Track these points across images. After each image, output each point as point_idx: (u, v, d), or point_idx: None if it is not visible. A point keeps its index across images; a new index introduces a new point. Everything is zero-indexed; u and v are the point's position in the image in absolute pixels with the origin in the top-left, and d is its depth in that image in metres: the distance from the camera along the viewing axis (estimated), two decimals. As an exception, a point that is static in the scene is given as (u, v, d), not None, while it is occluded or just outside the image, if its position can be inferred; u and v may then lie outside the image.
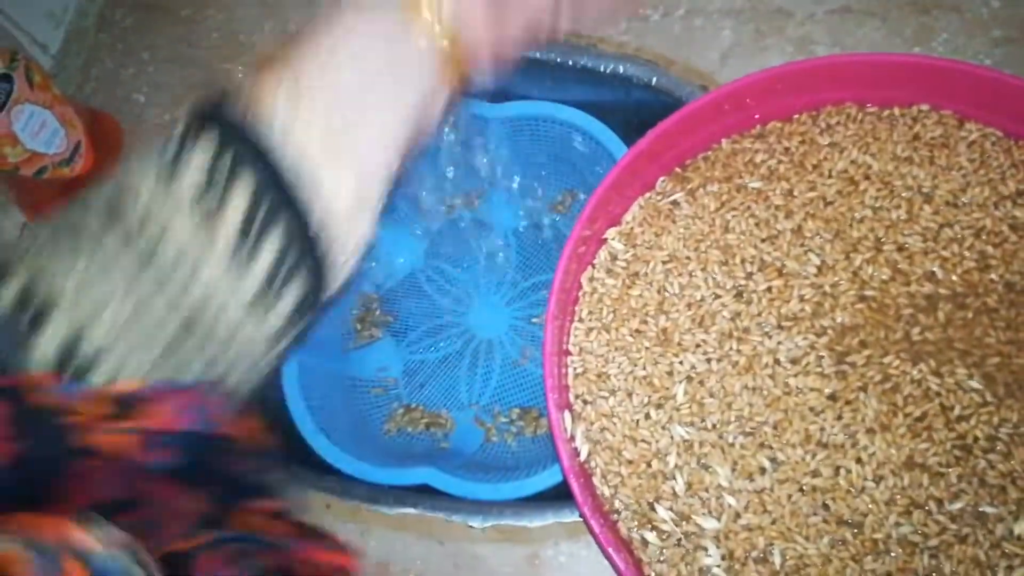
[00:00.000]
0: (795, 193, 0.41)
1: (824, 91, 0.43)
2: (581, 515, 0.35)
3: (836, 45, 0.55)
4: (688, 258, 0.40)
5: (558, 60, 0.59)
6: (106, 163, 0.60)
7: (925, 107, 0.42)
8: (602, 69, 0.58)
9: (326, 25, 0.28)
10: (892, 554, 0.34)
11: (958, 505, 0.34)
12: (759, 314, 0.38)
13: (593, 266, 0.42)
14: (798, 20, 0.56)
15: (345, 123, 0.27)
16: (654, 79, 0.57)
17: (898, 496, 0.34)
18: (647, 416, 0.37)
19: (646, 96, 0.58)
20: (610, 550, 0.34)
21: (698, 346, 0.38)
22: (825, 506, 0.35)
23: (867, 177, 0.41)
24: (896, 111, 0.43)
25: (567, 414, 0.38)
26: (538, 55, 0.60)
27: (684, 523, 0.35)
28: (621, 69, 0.57)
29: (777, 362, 0.37)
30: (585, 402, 0.38)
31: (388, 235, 0.65)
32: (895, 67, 0.41)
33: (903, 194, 0.40)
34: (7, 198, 0.61)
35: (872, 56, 0.43)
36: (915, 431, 0.35)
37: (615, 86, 0.59)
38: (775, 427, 0.36)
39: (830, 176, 0.41)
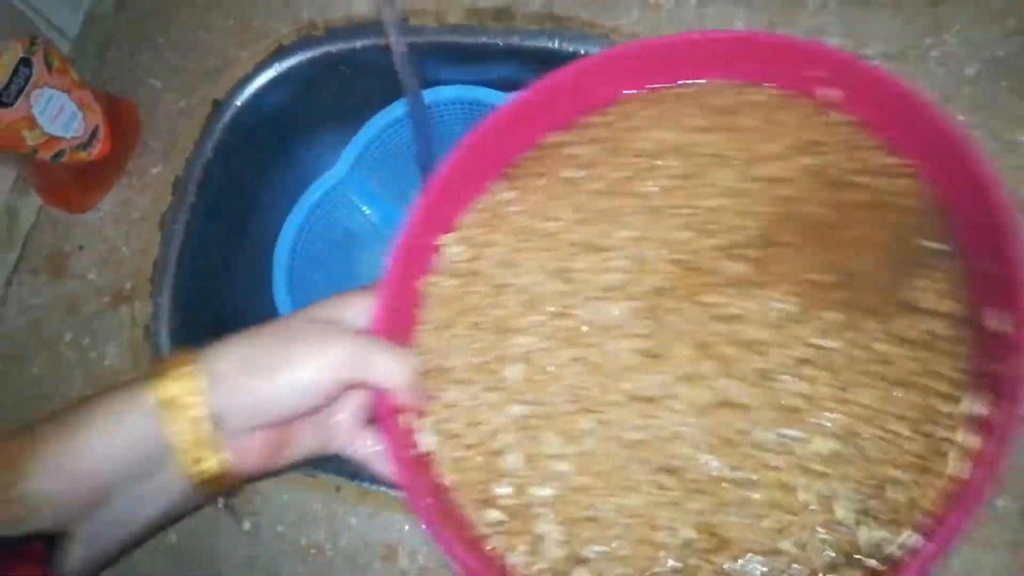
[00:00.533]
0: (608, 176, 0.44)
1: (623, 81, 0.45)
2: (413, 506, 0.36)
3: (849, 35, 0.55)
4: (519, 250, 0.43)
5: (570, 50, 0.59)
6: (123, 148, 0.61)
7: (714, 80, 0.45)
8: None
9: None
10: (708, 492, 0.35)
11: (762, 434, 0.36)
12: (581, 290, 0.41)
13: (432, 272, 0.44)
14: (811, 10, 0.56)
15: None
16: (665, 68, 0.57)
17: (709, 436, 0.36)
18: (484, 401, 0.39)
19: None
20: (437, 530, 0.35)
21: (529, 328, 0.41)
22: (644, 458, 0.37)
23: (668, 151, 0.44)
24: (687, 87, 0.45)
25: (408, 416, 0.40)
26: (551, 45, 0.60)
27: (522, 495, 0.37)
28: (633, 58, 0.58)
29: (599, 331, 0.40)
30: (431, 397, 0.40)
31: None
32: (674, 47, 0.44)
33: (702, 160, 0.43)
34: (25, 181, 0.62)
35: (650, 42, 0.46)
36: (722, 372, 0.37)
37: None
38: (600, 390, 0.38)
39: (636, 156, 0.44)
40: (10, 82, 0.51)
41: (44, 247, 0.60)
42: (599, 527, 0.36)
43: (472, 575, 0.34)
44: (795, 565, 0.33)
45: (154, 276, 0.58)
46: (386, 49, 0.45)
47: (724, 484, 0.35)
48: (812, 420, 0.35)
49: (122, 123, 0.61)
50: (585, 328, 0.40)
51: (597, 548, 0.35)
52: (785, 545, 0.34)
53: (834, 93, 0.42)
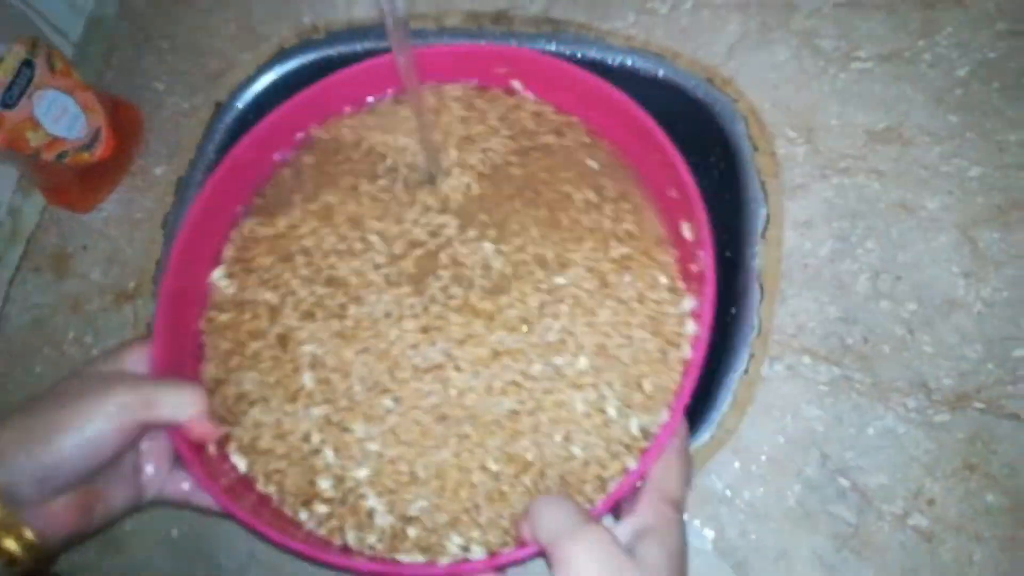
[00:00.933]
0: (344, 187, 0.49)
1: (342, 101, 0.51)
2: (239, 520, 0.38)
3: (843, 38, 0.56)
4: (284, 269, 0.47)
5: (567, 53, 0.60)
6: (126, 149, 0.62)
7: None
8: (609, 62, 0.59)
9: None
10: (505, 427, 0.41)
11: (536, 368, 0.42)
12: (350, 290, 0.46)
13: (205, 308, 0.47)
14: (805, 13, 0.57)
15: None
16: (660, 72, 0.57)
17: (495, 382, 0.42)
18: (286, 412, 0.43)
19: (653, 90, 0.59)
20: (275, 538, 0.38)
21: (311, 336, 0.45)
22: (443, 416, 0.42)
23: (393, 150, 0.50)
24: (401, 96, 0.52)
25: (214, 446, 0.42)
26: (550, 48, 0.61)
27: (343, 483, 0.41)
28: (629, 62, 0.58)
29: (376, 321, 0.44)
30: (231, 424, 0.43)
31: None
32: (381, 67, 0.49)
33: (417, 156, 0.49)
34: (29, 181, 0.63)
35: (363, 66, 0.50)
36: (491, 327, 0.43)
37: (623, 79, 0.59)
38: (390, 373, 0.43)
39: (366, 155, 0.50)
40: (12, 84, 0.52)
41: (48, 246, 0.61)
42: (418, 486, 0.40)
43: (317, 560, 0.38)
44: (588, 465, 0.39)
45: (157, 276, 0.58)
46: (387, 52, 0.45)
47: (516, 417, 0.41)
48: (571, 345, 0.42)
49: (125, 125, 0.62)
50: (365, 322, 0.44)
51: (420, 504, 0.40)
52: (575, 450, 0.40)
53: (516, 81, 0.50)
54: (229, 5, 0.67)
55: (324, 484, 0.41)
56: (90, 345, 0.57)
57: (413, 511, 0.40)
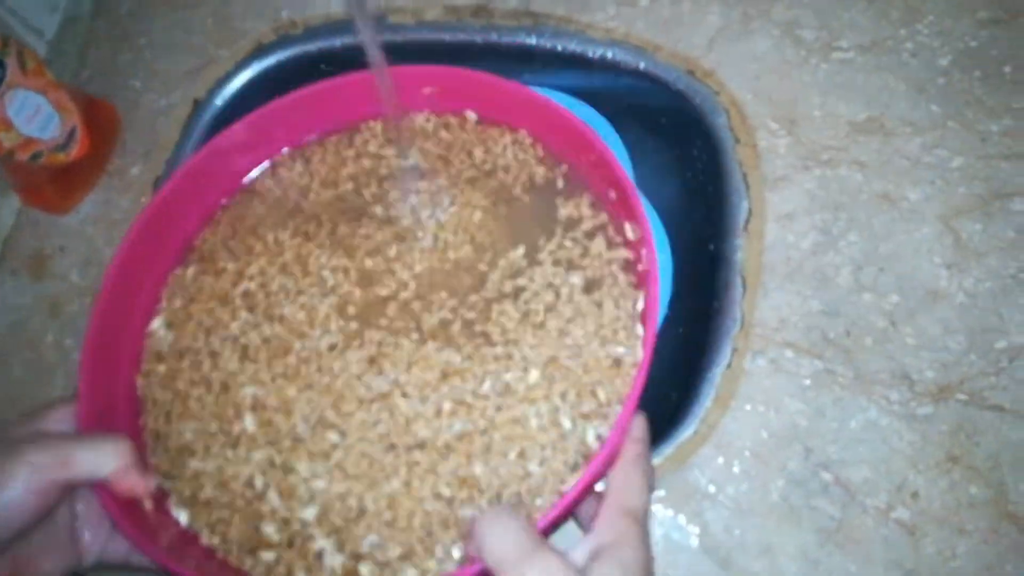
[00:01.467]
0: (290, 227, 0.48)
1: (279, 142, 0.51)
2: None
3: (823, 27, 0.55)
4: (222, 313, 0.46)
5: (547, 46, 0.59)
6: (102, 149, 0.61)
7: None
8: (590, 55, 0.58)
9: None
10: (457, 450, 0.40)
11: (486, 385, 0.41)
12: (290, 328, 0.45)
13: (142, 362, 0.46)
14: (785, 3, 0.57)
15: None
16: (641, 64, 0.57)
17: (442, 405, 0.41)
18: (227, 458, 0.42)
19: (634, 82, 0.58)
20: None
21: (251, 379, 0.43)
22: (392, 445, 0.40)
23: (325, 207, 0.49)
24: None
25: (149, 501, 0.41)
26: (531, 41, 0.60)
27: (290, 525, 0.40)
28: (609, 55, 0.58)
29: (320, 356, 0.43)
30: (171, 477, 0.42)
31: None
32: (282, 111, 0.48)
33: (361, 195, 0.49)
34: (4, 183, 0.62)
35: (279, 104, 0.49)
36: (439, 347, 0.42)
37: (604, 72, 0.59)
38: (335, 407, 0.42)
39: (305, 219, 0.48)
40: (-16, 84, 0.51)
41: (25, 248, 0.60)
42: (368, 520, 0.39)
43: None
44: (546, 480, 0.38)
45: (135, 276, 0.58)
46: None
47: (468, 439, 0.40)
48: (519, 357, 0.41)
49: (100, 124, 0.61)
50: (307, 359, 0.43)
51: (371, 539, 0.39)
52: (532, 467, 0.38)
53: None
54: (206, 2, 0.66)
55: (269, 529, 0.40)
56: (70, 348, 0.56)
57: (365, 547, 0.39)
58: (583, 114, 0.55)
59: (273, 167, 0.50)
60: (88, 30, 0.67)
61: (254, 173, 0.50)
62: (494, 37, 0.61)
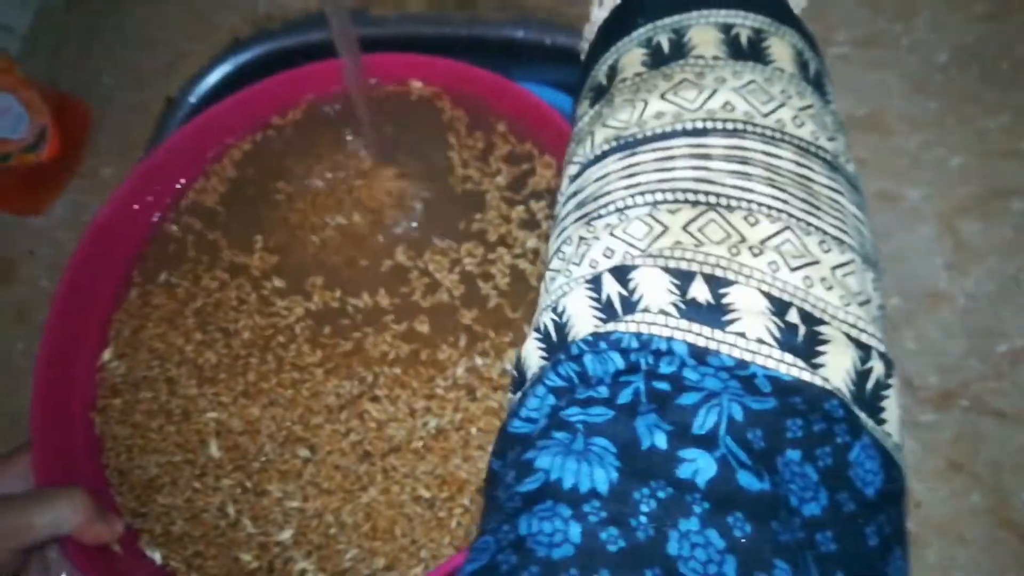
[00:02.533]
0: (235, 248, 0.47)
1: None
2: None
3: (818, 20, 0.54)
4: (176, 338, 0.44)
5: (534, 39, 0.58)
6: (74, 149, 0.59)
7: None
8: (579, 48, 0.56)
9: None
10: (434, 450, 0.38)
11: (460, 370, 0.40)
12: (247, 344, 0.43)
13: (98, 398, 0.44)
14: (779, -3, 0.55)
15: None
16: (632, 58, 0.55)
17: (415, 403, 0.40)
18: (196, 489, 0.40)
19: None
20: None
21: (213, 402, 0.42)
22: (366, 452, 0.39)
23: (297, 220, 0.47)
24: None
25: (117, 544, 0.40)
26: (517, 35, 0.58)
27: (267, 550, 0.38)
28: (599, 48, 0.56)
29: (282, 370, 0.42)
30: (140, 515, 0.41)
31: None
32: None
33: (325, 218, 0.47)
34: (-28, 185, 0.59)
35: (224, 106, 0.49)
36: (408, 339, 0.42)
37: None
38: (301, 420, 0.40)
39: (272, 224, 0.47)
40: (-52, 83, 0.49)
41: (-7, 253, 0.58)
42: (348, 534, 0.38)
43: None
44: None
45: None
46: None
47: (444, 436, 0.39)
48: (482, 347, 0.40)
49: (72, 123, 0.59)
50: (267, 374, 0.42)
51: (352, 553, 0.38)
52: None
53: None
54: (181, -5, 0.64)
55: (247, 557, 0.38)
56: (40, 356, 0.54)
57: (347, 562, 0.38)
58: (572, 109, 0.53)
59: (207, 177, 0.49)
60: (61, 25, 0.65)
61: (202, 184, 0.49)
62: (479, 30, 0.59)
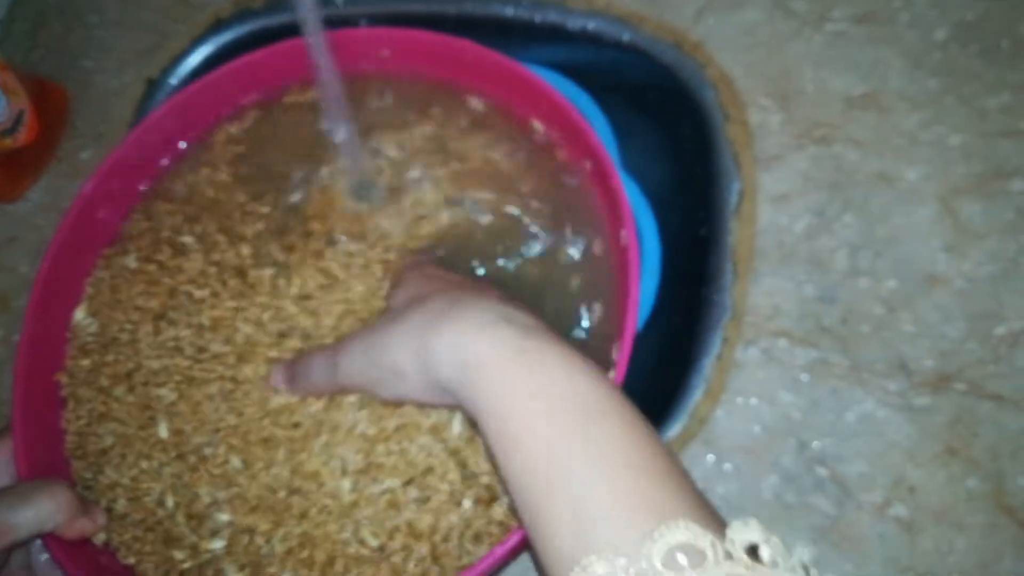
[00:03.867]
0: (210, 229, 0.45)
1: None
2: None
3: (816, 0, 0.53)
4: (147, 308, 0.43)
5: (525, 17, 0.56)
6: (52, 133, 0.57)
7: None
8: (570, 26, 0.55)
9: None
10: (386, 484, 0.36)
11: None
12: (208, 331, 0.41)
13: (68, 358, 0.43)
14: (776, -28, 0.54)
15: None
16: (625, 36, 0.54)
17: (379, 424, 0.37)
18: (142, 469, 0.39)
19: (618, 56, 0.55)
20: None
21: (167, 380, 0.40)
22: (297, 489, 0.37)
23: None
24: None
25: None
26: (506, 12, 0.57)
27: (199, 554, 0.37)
28: (591, 26, 0.55)
29: (233, 365, 0.40)
30: (88, 487, 0.39)
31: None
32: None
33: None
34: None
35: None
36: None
37: (586, 45, 0.56)
38: (239, 417, 0.38)
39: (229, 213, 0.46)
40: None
41: (-29, 240, 0.56)
42: (282, 560, 0.36)
43: None
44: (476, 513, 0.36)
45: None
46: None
47: (402, 460, 0.36)
48: None
49: (50, 107, 0.57)
50: (224, 358, 0.40)
51: None
52: (466, 504, 0.36)
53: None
54: (161, -26, 0.62)
55: (179, 555, 0.37)
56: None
57: None
58: (566, 90, 0.52)
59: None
60: (39, 8, 0.63)
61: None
62: (468, 8, 0.57)
